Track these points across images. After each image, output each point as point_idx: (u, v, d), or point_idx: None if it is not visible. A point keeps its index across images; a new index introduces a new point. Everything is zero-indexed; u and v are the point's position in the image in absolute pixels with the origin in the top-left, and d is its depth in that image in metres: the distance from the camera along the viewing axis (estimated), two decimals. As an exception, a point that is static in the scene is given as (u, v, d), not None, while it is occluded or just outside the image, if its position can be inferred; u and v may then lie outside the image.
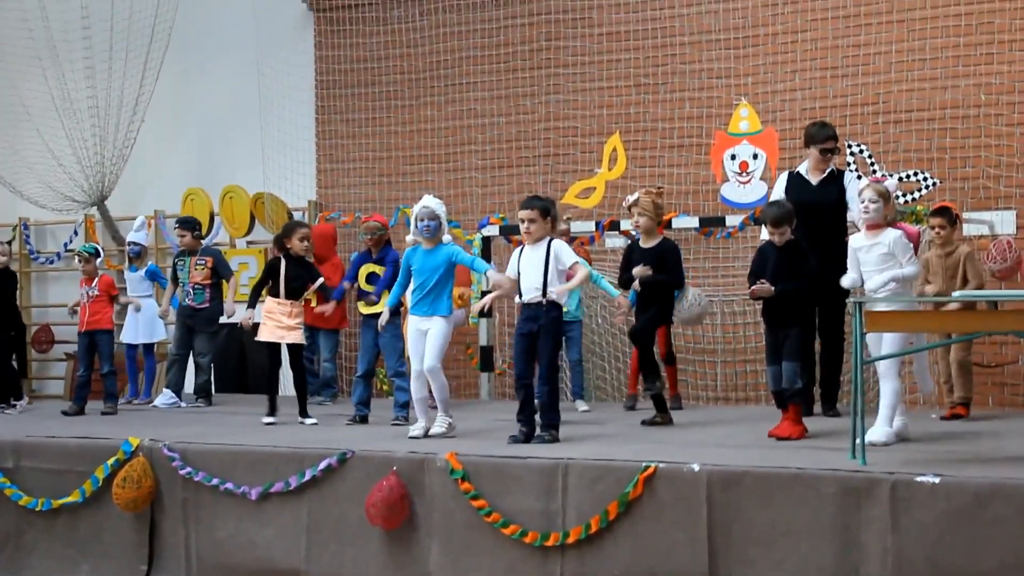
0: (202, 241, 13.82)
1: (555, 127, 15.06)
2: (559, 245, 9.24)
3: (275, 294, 11.12)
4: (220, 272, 13.35)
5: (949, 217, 10.57)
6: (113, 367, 12.53)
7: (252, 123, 15.86)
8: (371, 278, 10.90)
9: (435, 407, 9.63)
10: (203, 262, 13.29)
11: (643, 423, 10.16)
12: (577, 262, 9.26)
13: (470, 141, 15.54)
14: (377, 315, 10.53)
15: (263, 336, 11.15)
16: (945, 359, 10.67)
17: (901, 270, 8.73)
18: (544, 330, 9.18)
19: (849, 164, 10.97)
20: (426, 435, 9.49)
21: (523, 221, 9.28)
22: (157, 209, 16.73)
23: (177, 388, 13.34)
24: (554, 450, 8.61)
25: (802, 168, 10.78)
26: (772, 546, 7.41)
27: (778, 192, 10.70)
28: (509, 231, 13.16)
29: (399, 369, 10.92)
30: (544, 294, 9.16)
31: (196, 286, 13.24)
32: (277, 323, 11.09)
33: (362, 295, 10.99)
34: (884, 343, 8.60)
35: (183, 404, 13.22)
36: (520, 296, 9.31)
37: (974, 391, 10.70)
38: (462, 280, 11.64)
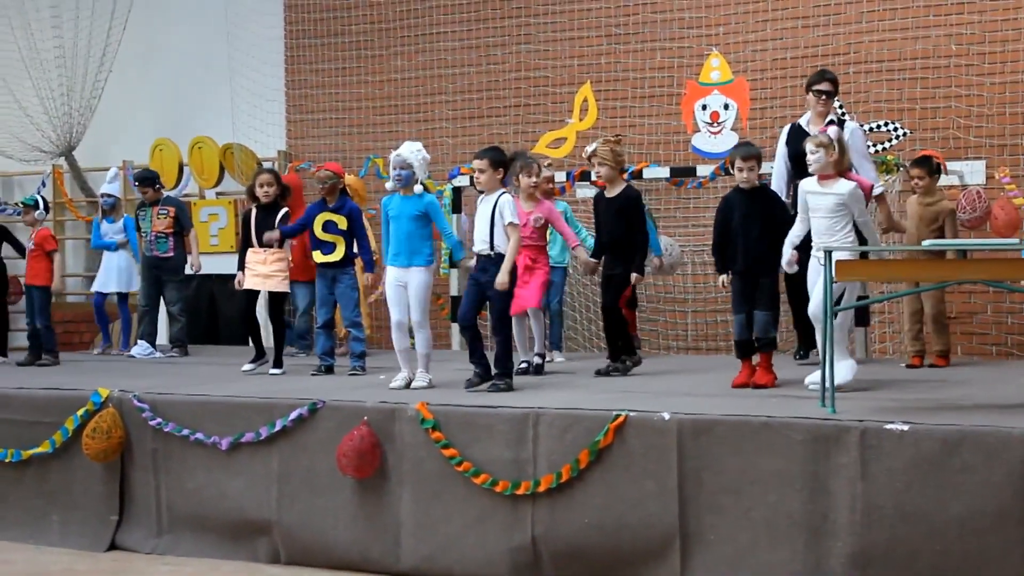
0: (163, 191, 13.73)
1: (526, 77, 15.02)
2: (505, 201, 9.32)
3: (252, 244, 11.15)
4: (182, 223, 13.30)
5: (929, 167, 10.57)
6: (48, 322, 12.52)
7: (221, 73, 15.75)
8: (327, 226, 10.81)
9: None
10: (165, 211, 13.22)
11: (597, 372, 10.13)
12: (512, 223, 9.28)
13: (440, 91, 15.49)
14: (330, 265, 10.73)
15: (245, 284, 11.15)
16: (910, 309, 10.73)
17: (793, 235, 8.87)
18: (492, 282, 9.25)
19: (839, 109, 10.89)
20: (407, 386, 9.48)
21: (474, 171, 9.44)
22: (125, 160, 16.59)
23: (151, 339, 13.32)
24: (524, 399, 8.62)
25: (803, 119, 10.67)
26: (742, 494, 7.43)
27: (780, 146, 10.65)
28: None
29: (355, 320, 10.92)
30: (491, 247, 9.25)
31: (159, 235, 13.18)
32: (254, 272, 11.11)
33: (317, 244, 10.90)
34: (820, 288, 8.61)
35: (159, 354, 13.19)
36: (473, 244, 9.51)
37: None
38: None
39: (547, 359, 10.92)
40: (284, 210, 11.18)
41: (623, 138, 10.08)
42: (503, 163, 9.46)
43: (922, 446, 6.98)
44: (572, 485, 7.83)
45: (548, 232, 10.73)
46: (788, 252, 9.01)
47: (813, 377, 8.58)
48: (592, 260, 10.18)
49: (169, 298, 13.37)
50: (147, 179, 13.49)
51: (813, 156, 8.73)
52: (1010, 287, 9.70)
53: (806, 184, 8.90)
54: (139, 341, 13.35)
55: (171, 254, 13.21)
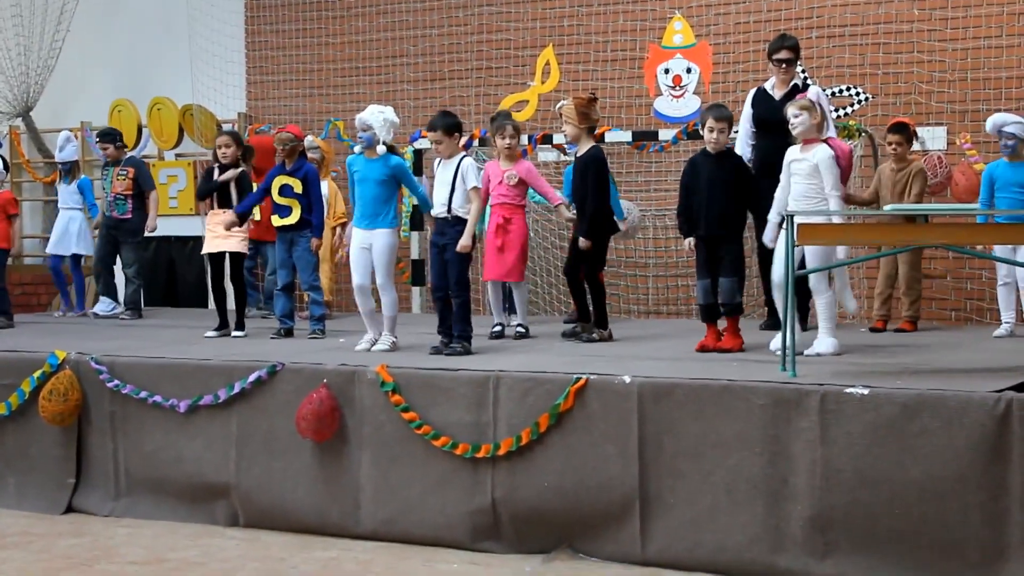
0: (126, 151, 13.62)
1: (488, 39, 14.93)
2: (467, 164, 9.37)
3: (212, 206, 11.16)
4: (141, 184, 13.18)
5: (906, 133, 10.63)
6: (3, 283, 12.40)
7: (180, 33, 15.64)
8: (284, 190, 10.74)
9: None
10: (124, 172, 13.11)
11: (563, 335, 10.12)
12: (476, 187, 9.32)
13: (402, 53, 15.39)
14: (288, 228, 10.70)
15: (205, 248, 11.08)
16: (885, 271, 10.77)
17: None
18: (450, 245, 9.26)
19: (803, 73, 10.88)
20: (370, 350, 9.47)
21: (431, 142, 9.47)
22: (84, 121, 16.46)
23: (111, 294, 13.26)
24: (485, 362, 8.60)
25: (768, 84, 10.68)
26: (702, 458, 7.44)
27: (745, 108, 10.64)
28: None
29: (313, 283, 10.88)
30: (450, 210, 9.29)
31: (117, 196, 13.08)
32: (215, 233, 11.06)
33: (275, 208, 10.83)
34: (808, 257, 8.63)
35: (120, 308, 13.14)
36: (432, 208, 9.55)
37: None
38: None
39: (507, 323, 10.92)
40: (240, 169, 11.10)
41: (596, 99, 9.94)
42: (457, 127, 9.50)
43: (882, 410, 7.00)
44: (532, 448, 7.84)
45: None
46: (772, 227, 8.99)
47: (777, 342, 8.59)
48: (574, 217, 10.09)
49: (125, 260, 13.27)
50: (107, 135, 13.37)
51: (797, 119, 8.74)
52: (970, 252, 9.72)
53: (790, 153, 8.91)
54: (101, 297, 13.27)
55: (129, 216, 13.10)
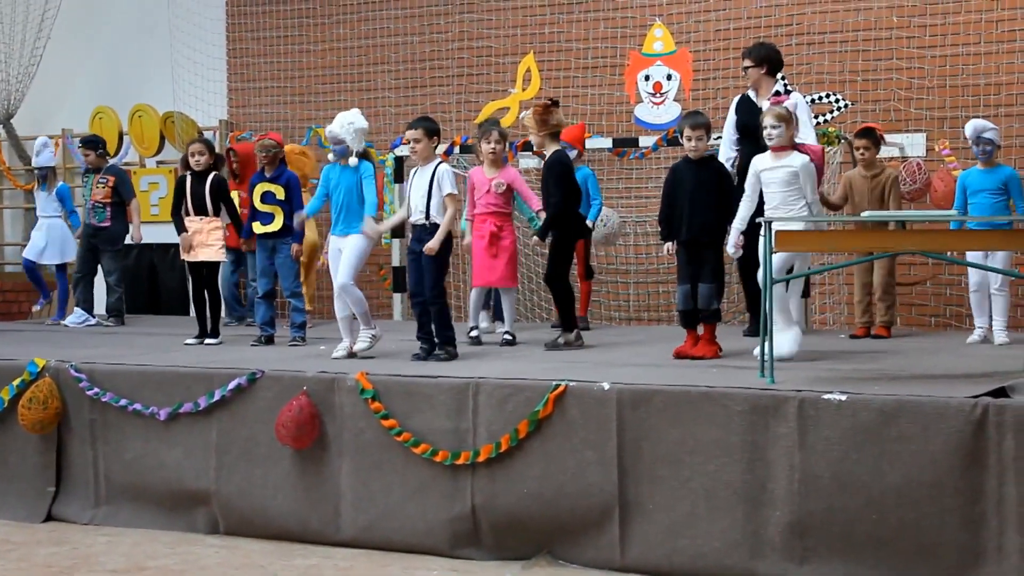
0: (107, 159, 13.61)
1: (469, 46, 14.95)
2: (443, 170, 9.36)
3: (187, 212, 11.07)
4: (121, 193, 13.14)
5: (873, 138, 10.67)
6: None
7: (162, 40, 15.61)
8: (265, 197, 10.75)
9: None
10: (104, 180, 13.08)
11: (546, 346, 10.04)
12: (452, 193, 9.29)
13: (383, 60, 15.40)
14: (269, 235, 10.72)
15: (183, 256, 11.08)
16: (861, 280, 10.79)
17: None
18: None
19: (782, 80, 10.92)
20: (349, 355, 9.46)
21: (408, 141, 9.44)
22: (65, 128, 16.43)
23: (86, 306, 13.22)
24: (465, 369, 8.61)
25: (752, 91, 10.73)
26: (681, 464, 7.46)
27: (729, 114, 10.69)
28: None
29: (294, 290, 10.89)
30: (427, 216, 9.27)
31: (96, 204, 13.05)
32: (192, 242, 11.02)
33: (255, 215, 10.84)
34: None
35: (93, 320, 13.09)
36: (409, 215, 9.52)
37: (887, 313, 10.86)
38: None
39: (490, 329, 10.94)
40: (213, 174, 11.08)
41: (555, 103, 9.95)
42: (437, 132, 9.49)
43: (859, 416, 7.03)
44: (512, 455, 7.85)
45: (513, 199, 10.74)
46: (736, 236, 9.04)
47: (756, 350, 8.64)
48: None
49: (105, 268, 13.24)
50: (89, 142, 13.37)
51: (775, 131, 8.79)
52: (947, 258, 9.77)
53: (759, 161, 8.94)
54: (75, 309, 13.24)
55: (108, 224, 13.06)
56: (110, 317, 13.21)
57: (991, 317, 10.25)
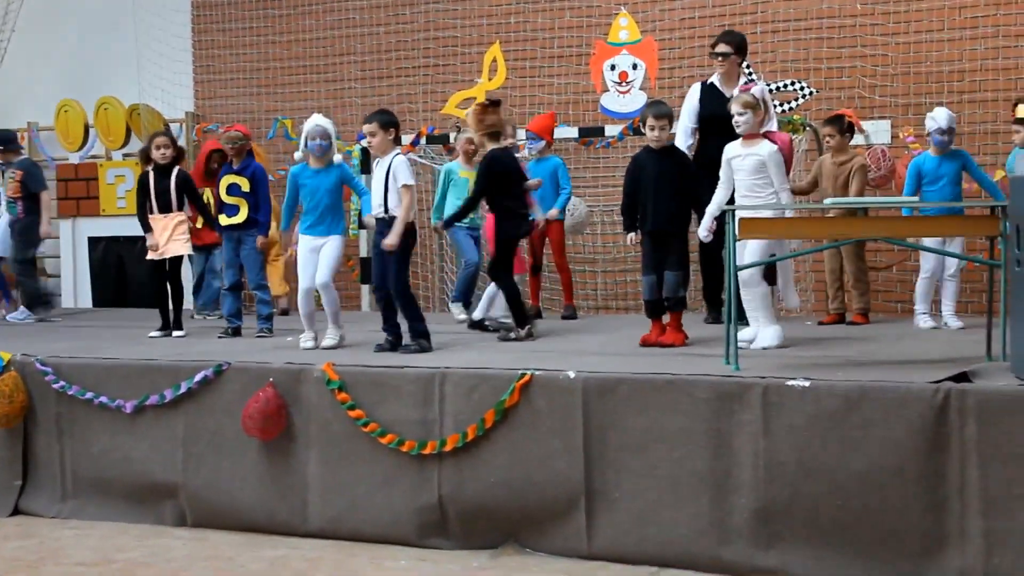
0: (20, 152, 13.47)
1: (435, 37, 14.95)
2: (398, 163, 9.27)
3: (152, 210, 10.99)
4: (30, 186, 12.92)
5: (839, 126, 10.70)
6: None
7: (127, 32, 15.60)
8: (232, 189, 10.73)
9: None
10: (13, 175, 12.96)
11: (499, 338, 9.99)
12: (407, 184, 9.23)
13: (350, 51, 15.38)
14: (235, 227, 10.74)
15: (151, 256, 11.01)
16: (829, 266, 10.85)
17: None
18: None
19: (747, 69, 10.95)
20: (316, 347, 9.48)
21: (366, 134, 9.42)
22: (30, 121, 16.39)
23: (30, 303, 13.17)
24: (431, 359, 8.62)
25: (715, 78, 10.68)
26: (646, 452, 7.48)
27: (688, 103, 10.61)
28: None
29: (260, 282, 10.88)
30: (387, 210, 9.24)
31: (9, 200, 12.97)
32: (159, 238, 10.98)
33: (221, 207, 10.82)
34: (747, 251, 8.68)
35: (33, 318, 13.03)
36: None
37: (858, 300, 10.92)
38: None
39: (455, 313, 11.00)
40: (177, 169, 11.03)
41: (496, 103, 9.95)
42: (394, 124, 9.42)
43: (823, 402, 7.06)
44: (478, 444, 7.86)
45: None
46: (709, 221, 9.06)
47: (744, 334, 8.72)
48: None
49: (11, 260, 13.16)
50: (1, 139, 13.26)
51: (742, 118, 8.81)
52: (908, 244, 9.82)
53: (729, 149, 8.94)
54: (20, 307, 13.17)
55: (21, 217, 12.92)
56: (33, 311, 13.10)
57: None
